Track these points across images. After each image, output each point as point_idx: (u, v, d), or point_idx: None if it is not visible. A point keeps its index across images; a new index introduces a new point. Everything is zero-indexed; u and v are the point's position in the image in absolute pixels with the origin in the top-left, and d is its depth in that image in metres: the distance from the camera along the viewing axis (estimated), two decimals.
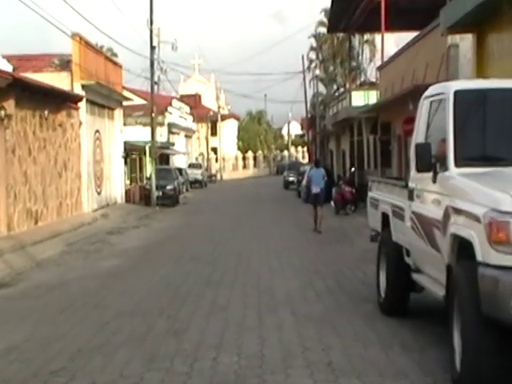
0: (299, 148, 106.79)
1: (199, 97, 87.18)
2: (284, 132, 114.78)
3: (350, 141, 39.60)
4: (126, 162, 41.69)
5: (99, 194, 33.74)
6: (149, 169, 40.78)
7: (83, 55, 30.09)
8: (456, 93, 7.39)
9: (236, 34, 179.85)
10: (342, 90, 53.11)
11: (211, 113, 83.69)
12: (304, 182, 39.54)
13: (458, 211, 6.40)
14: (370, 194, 10.95)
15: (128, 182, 42.22)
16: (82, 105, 29.88)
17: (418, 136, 8.23)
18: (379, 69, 30.57)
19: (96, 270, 15.23)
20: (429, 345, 7.89)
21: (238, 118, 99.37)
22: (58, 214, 26.18)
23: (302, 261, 15.87)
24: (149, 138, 40.27)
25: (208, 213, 34.46)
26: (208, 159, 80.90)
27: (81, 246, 20.54)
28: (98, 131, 33.95)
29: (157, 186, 37.69)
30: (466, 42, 19.20)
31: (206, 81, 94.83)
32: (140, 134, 48.03)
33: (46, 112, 23.97)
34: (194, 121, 75.39)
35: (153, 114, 39.02)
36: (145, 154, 43.65)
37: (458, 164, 7.00)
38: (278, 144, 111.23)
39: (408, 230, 8.26)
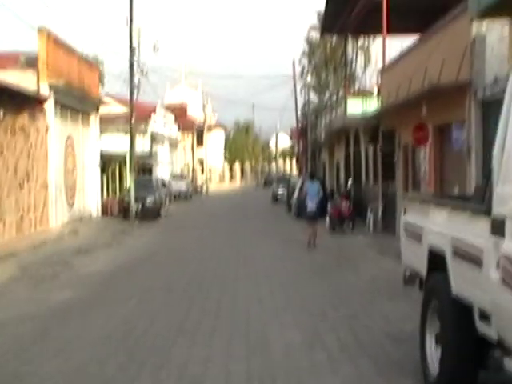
0: (287, 160, 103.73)
1: (185, 106, 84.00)
2: (271, 144, 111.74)
3: (346, 152, 36.55)
4: (105, 172, 38.65)
5: (71, 206, 30.59)
6: (129, 180, 37.54)
7: (52, 53, 27.00)
8: None
9: (225, 42, 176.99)
10: (334, 98, 50.18)
11: (197, 122, 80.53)
12: (296, 195, 36.60)
13: None
14: (405, 218, 7.81)
15: (108, 193, 39.10)
16: (50, 107, 26.76)
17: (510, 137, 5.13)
18: (381, 72, 27.58)
19: (41, 307, 12.01)
20: None
21: (225, 128, 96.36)
22: (17, 230, 23.03)
23: (302, 296, 12.68)
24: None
25: (190, 228, 31.30)
26: (194, 170, 77.71)
27: (36, 269, 17.31)
28: (70, 137, 30.82)
29: (136, 198, 34.47)
30: (494, 34, 16.26)
31: (193, 89, 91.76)
32: (122, 142, 44.95)
33: (1, 113, 20.77)
34: (179, 130, 72.27)
35: (132, 120, 35.72)
36: (125, 163, 40.46)
37: None
38: (266, 156, 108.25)
39: (492, 284, 5.13)
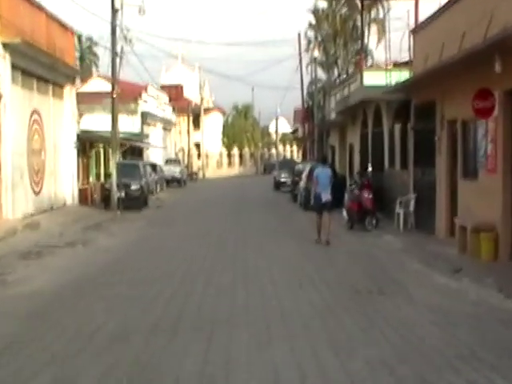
0: (287, 146, 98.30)
1: (181, 88, 78.65)
2: (271, 130, 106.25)
3: (362, 132, 31.36)
4: (87, 155, 33.68)
5: (37, 194, 25.42)
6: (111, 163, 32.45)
7: (7, 4, 21.77)
8: None
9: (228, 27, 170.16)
10: (344, 76, 45.10)
11: (193, 104, 75.21)
12: (302, 184, 31.54)
13: None
14: None
15: (88, 179, 34.02)
16: (5, 71, 21.61)
17: None
18: (413, 32, 22.39)
19: None
20: None
21: (223, 112, 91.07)
22: None
23: (346, 367, 7.27)
24: (120, 129, 32.06)
25: (180, 222, 26.24)
26: (189, 155, 72.53)
27: None
28: (36, 112, 25.63)
29: (118, 185, 29.44)
30: None
31: (190, 69, 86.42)
32: (108, 123, 40.12)
33: None
34: (173, 112, 67.02)
35: (114, 94, 30.55)
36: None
37: None
38: (265, 142, 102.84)
39: None
